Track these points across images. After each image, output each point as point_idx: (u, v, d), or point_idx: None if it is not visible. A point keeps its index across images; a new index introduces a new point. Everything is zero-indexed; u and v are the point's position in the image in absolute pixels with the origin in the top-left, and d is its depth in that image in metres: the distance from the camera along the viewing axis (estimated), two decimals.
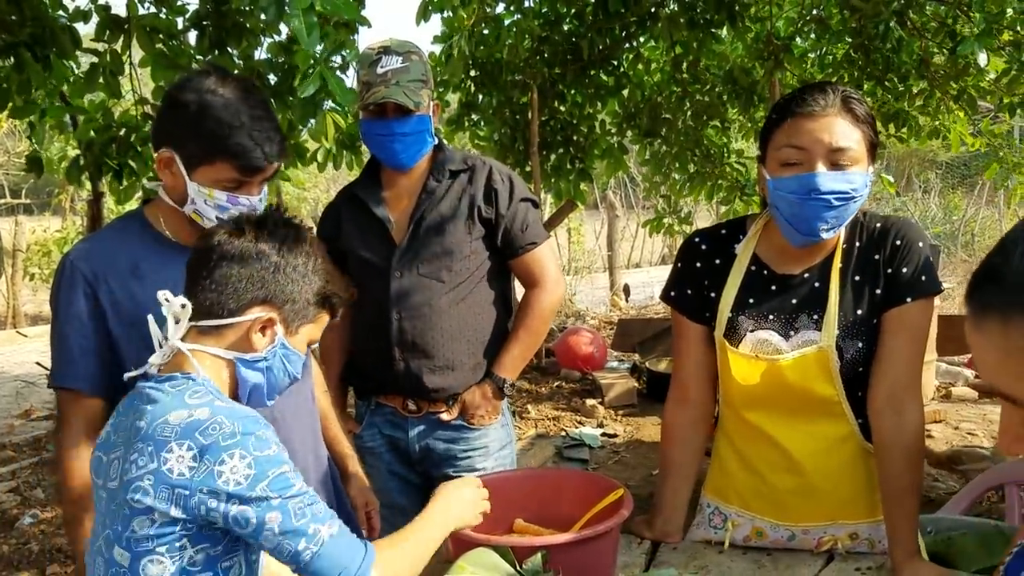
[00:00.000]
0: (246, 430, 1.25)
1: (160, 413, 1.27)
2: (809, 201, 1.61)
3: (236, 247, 1.41)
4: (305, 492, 1.28)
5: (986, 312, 0.76)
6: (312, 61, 2.27)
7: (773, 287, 1.76)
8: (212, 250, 1.41)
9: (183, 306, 1.39)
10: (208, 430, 1.24)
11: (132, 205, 3.04)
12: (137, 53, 3.31)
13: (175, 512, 1.22)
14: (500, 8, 5.29)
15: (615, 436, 5.27)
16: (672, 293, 1.88)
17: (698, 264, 1.84)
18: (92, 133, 3.27)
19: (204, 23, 2.96)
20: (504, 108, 5.63)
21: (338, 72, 2.64)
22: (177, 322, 1.40)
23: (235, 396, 1.42)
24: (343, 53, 2.80)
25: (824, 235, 1.66)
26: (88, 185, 3.98)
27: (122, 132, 3.31)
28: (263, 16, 2.18)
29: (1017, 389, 0.75)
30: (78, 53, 3.13)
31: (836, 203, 1.61)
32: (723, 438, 1.88)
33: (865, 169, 1.64)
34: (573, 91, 5.70)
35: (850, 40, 4.93)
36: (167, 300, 1.42)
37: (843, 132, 1.61)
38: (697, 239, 1.88)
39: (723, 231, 1.86)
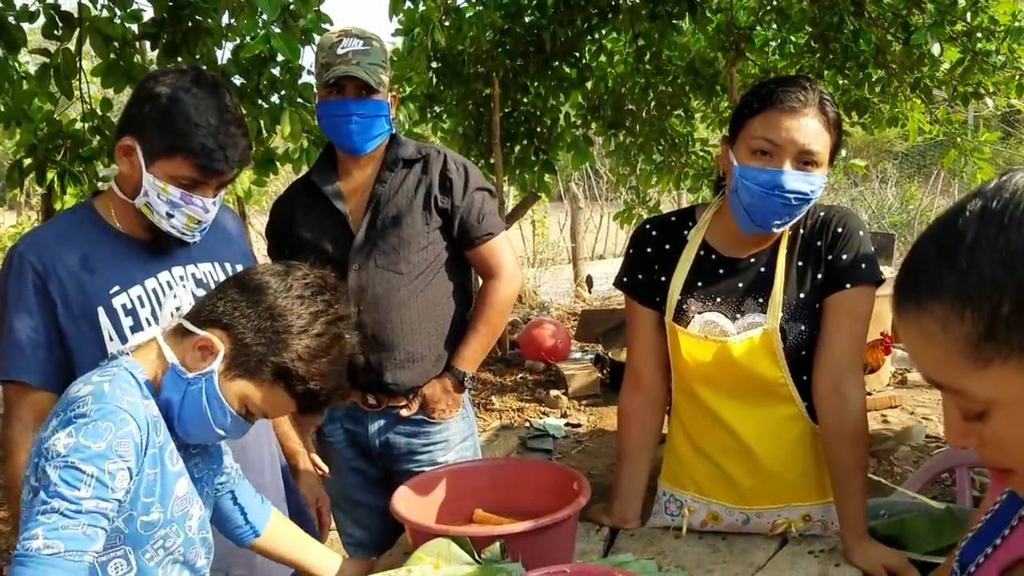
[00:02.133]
0: (94, 415, 1.24)
1: (73, 385, 1.32)
2: (772, 197, 1.66)
3: (255, 273, 1.41)
4: (79, 502, 1.19)
5: (924, 306, 0.75)
6: (260, 26, 2.24)
7: (721, 271, 1.80)
8: (247, 268, 1.45)
9: (176, 299, 1.47)
10: (75, 405, 1.26)
11: None
12: (88, 63, 3.26)
13: (27, 472, 1.27)
14: (461, 0, 5.27)
15: (579, 426, 5.30)
16: (624, 279, 1.92)
17: (649, 250, 1.87)
18: (35, 139, 3.21)
19: (159, 30, 2.91)
20: (467, 100, 5.61)
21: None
22: (175, 311, 1.48)
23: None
24: (301, 20, 2.76)
25: (775, 230, 1.72)
26: (29, 177, 3.90)
27: (68, 143, 3.24)
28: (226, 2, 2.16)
29: (959, 381, 0.75)
30: (28, 58, 3.08)
31: (795, 202, 1.66)
32: (676, 424, 1.91)
33: (824, 172, 1.69)
34: (536, 83, 5.71)
35: (809, 30, 4.99)
36: (173, 290, 1.52)
37: (816, 135, 1.65)
38: (648, 226, 1.92)
39: (673, 218, 1.91)
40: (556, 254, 13.97)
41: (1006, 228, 0.70)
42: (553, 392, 5.80)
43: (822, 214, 1.78)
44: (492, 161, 5.59)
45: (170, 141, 1.63)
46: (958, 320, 0.72)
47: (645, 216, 6.09)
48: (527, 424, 5.31)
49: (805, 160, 1.65)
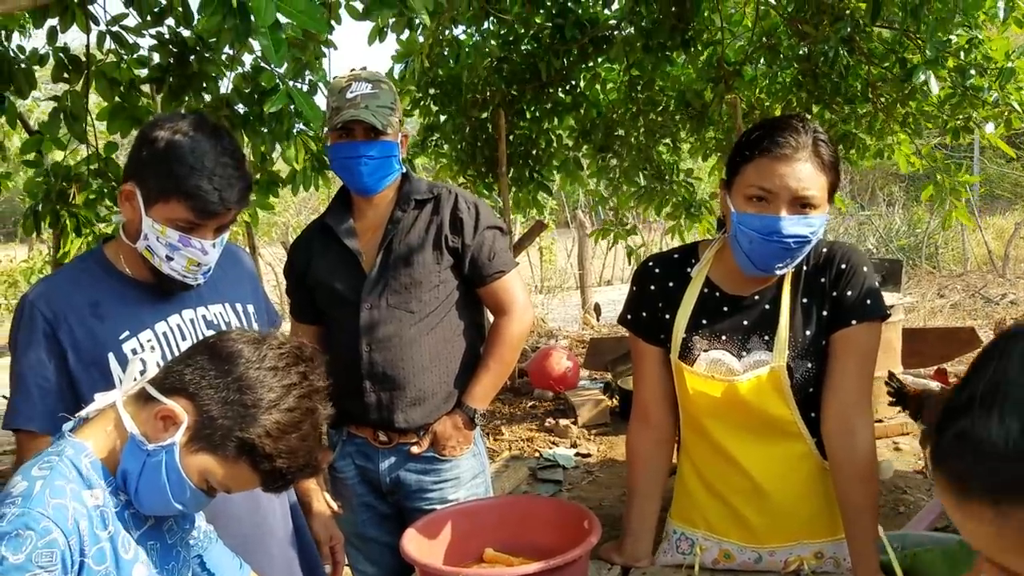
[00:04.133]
0: (16, 523, 1.18)
1: (16, 474, 1.26)
2: (770, 242, 1.66)
3: (227, 340, 1.33)
4: None
5: (968, 490, 0.69)
6: (277, 81, 2.28)
7: (725, 308, 1.80)
8: (219, 334, 1.37)
9: (143, 363, 1.38)
10: (7, 504, 1.20)
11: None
12: (94, 107, 3.30)
13: None
14: (459, 31, 5.37)
15: (589, 456, 5.27)
16: (629, 316, 1.92)
17: (652, 287, 1.87)
18: (44, 185, 3.23)
19: (163, 74, 2.96)
20: (465, 126, 5.69)
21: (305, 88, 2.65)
22: (137, 376, 1.38)
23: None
24: (309, 76, 2.82)
25: (778, 272, 1.72)
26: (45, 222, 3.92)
27: (76, 187, 3.27)
28: (229, 42, 2.19)
29: (1017, 564, 0.69)
30: (42, 101, 3.15)
31: (794, 245, 1.66)
32: (686, 462, 1.90)
33: (824, 212, 1.68)
34: (532, 109, 5.79)
35: (798, 66, 5.04)
36: (134, 352, 1.40)
37: (810, 179, 1.64)
38: (651, 263, 1.91)
39: (676, 255, 1.90)
40: (563, 281, 14.00)
41: None
42: (563, 421, 5.77)
43: (825, 250, 1.78)
44: (489, 180, 5.66)
45: (165, 184, 1.64)
46: (1010, 508, 0.66)
47: (621, 236, 6.11)
48: (537, 454, 5.29)
49: (801, 204, 1.64)
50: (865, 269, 1.74)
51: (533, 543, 1.84)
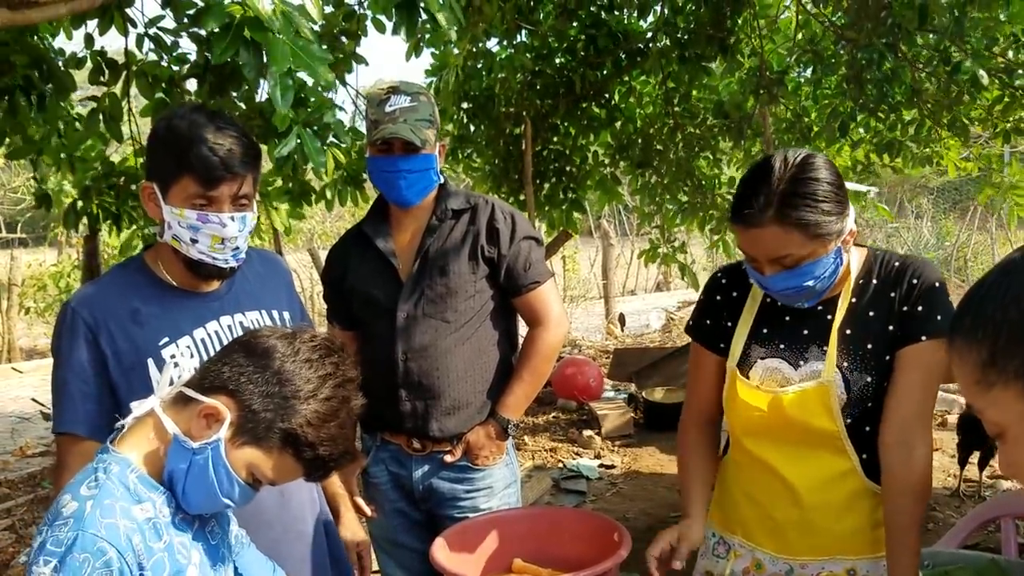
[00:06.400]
0: (71, 545, 1.20)
1: (64, 493, 1.28)
2: (775, 293, 1.70)
3: (261, 337, 1.36)
4: None
5: (952, 342, 0.92)
6: (289, 123, 2.32)
7: (786, 317, 1.79)
8: (252, 332, 1.41)
9: (177, 366, 1.40)
10: (56, 525, 1.22)
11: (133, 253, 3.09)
12: (137, 103, 3.34)
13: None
14: (492, 43, 5.38)
15: (613, 467, 5.27)
16: (692, 323, 1.94)
17: (718, 297, 1.89)
18: (89, 181, 3.28)
19: (203, 72, 2.99)
20: (497, 140, 5.69)
21: (314, 128, 2.67)
22: (172, 382, 1.40)
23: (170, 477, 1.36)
24: (325, 117, 2.84)
25: (807, 305, 1.72)
26: (83, 220, 3.99)
27: (122, 180, 3.32)
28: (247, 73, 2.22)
29: (977, 402, 0.90)
30: (77, 102, 3.18)
31: (799, 293, 1.67)
32: (729, 467, 1.91)
33: (822, 254, 1.64)
34: (566, 123, 5.78)
35: (843, 71, 5.01)
36: (173, 357, 1.42)
37: (778, 242, 1.61)
38: (719, 274, 1.93)
39: (743, 266, 1.89)
40: (587, 290, 13.98)
41: (1012, 275, 0.86)
42: (586, 432, 5.77)
43: (897, 264, 1.75)
44: (523, 198, 5.65)
45: (172, 165, 1.68)
46: (969, 351, 0.88)
47: (670, 255, 6.09)
48: (560, 465, 5.29)
49: (783, 263, 1.63)
50: (937, 285, 1.71)
51: (562, 555, 1.84)
